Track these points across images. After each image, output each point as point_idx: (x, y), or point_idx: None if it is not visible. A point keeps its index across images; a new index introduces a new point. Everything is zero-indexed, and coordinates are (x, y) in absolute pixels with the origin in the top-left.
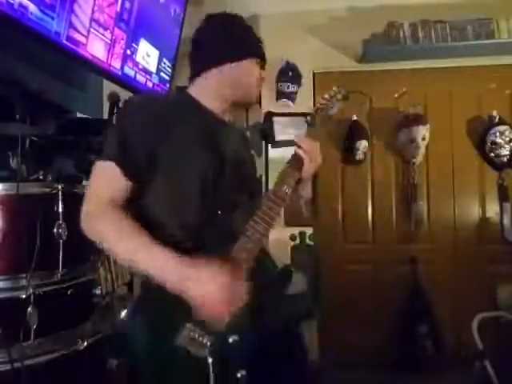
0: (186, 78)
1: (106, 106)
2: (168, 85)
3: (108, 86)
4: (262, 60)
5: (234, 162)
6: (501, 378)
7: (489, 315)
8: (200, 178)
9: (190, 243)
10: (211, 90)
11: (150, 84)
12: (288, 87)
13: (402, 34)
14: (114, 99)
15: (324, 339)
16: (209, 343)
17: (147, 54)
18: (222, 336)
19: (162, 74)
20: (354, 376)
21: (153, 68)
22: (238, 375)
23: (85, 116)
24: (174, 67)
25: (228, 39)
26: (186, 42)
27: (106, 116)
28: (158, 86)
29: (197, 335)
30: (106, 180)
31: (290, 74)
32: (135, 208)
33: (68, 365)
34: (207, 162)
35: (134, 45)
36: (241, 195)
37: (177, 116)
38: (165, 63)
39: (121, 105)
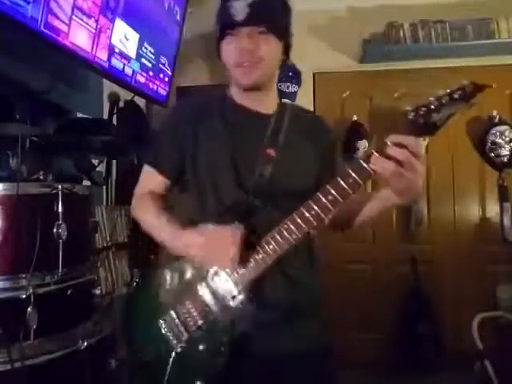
0: (186, 78)
1: (106, 106)
2: (152, 73)
3: (108, 86)
4: (232, 28)
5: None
6: (501, 378)
7: (489, 315)
8: (211, 179)
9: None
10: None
11: (129, 71)
12: (288, 87)
13: (402, 33)
14: (114, 99)
15: None
16: (184, 338)
17: (125, 37)
18: (195, 338)
19: (143, 60)
20: (353, 376)
21: (132, 53)
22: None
23: (85, 116)
24: (173, 66)
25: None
26: (186, 42)
27: (106, 116)
28: (139, 73)
29: (176, 324)
30: (146, 179)
31: (290, 73)
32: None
33: (68, 365)
34: (218, 159)
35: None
36: (265, 197)
37: (204, 116)
38: (146, 48)
39: (121, 104)
